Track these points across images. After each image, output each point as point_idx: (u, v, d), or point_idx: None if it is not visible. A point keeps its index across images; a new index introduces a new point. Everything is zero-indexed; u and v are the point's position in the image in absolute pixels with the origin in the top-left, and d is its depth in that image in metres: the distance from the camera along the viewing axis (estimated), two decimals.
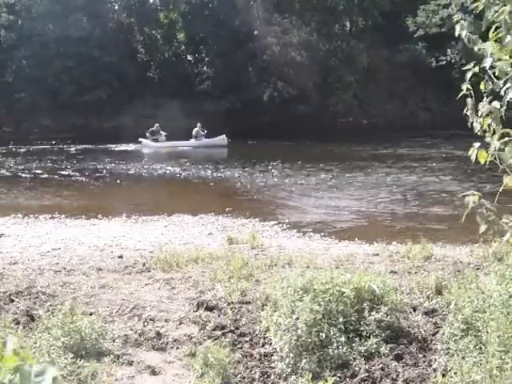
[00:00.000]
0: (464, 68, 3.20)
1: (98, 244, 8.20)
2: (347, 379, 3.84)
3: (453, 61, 33.33)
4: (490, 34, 3.04)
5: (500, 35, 3.01)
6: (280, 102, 32.88)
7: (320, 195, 13.80)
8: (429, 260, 6.74)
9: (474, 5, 3.10)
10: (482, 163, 2.99)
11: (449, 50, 33.66)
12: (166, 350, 4.41)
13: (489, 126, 2.97)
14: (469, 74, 3.15)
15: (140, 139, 25.25)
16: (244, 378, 3.94)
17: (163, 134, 25.76)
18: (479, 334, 3.78)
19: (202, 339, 4.50)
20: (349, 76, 34.71)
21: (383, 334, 4.24)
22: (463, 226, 9.23)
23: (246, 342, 4.47)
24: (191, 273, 6.28)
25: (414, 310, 4.84)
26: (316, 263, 6.47)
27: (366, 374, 3.87)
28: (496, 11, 2.97)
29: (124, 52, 35.26)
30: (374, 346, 4.10)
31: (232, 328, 4.69)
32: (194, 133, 25.59)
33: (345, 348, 4.01)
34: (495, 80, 3.03)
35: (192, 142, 25.55)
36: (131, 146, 25.42)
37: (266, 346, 4.36)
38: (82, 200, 13.70)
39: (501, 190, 2.92)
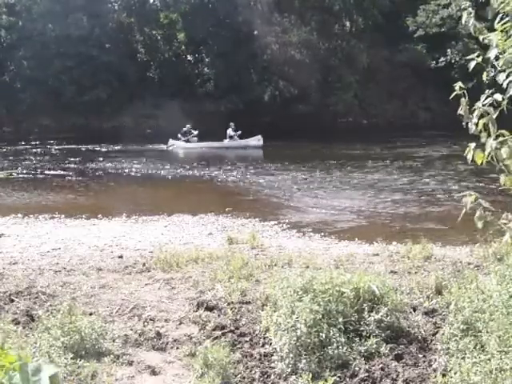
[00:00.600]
0: (467, 57, 3.18)
1: (98, 244, 8.20)
2: (347, 379, 3.84)
3: (453, 61, 33.36)
4: (496, 25, 3.02)
5: (506, 25, 2.99)
6: (281, 101, 32.88)
7: (320, 195, 13.80)
8: (429, 260, 6.74)
9: None
10: (479, 164, 2.99)
11: (449, 50, 33.69)
12: (166, 349, 4.41)
13: (484, 126, 2.96)
14: (472, 64, 3.14)
15: (170, 140, 24.73)
16: (244, 378, 3.94)
17: (195, 133, 25.29)
18: (479, 334, 3.78)
19: (202, 339, 4.50)
20: (349, 76, 34.71)
21: (383, 334, 4.24)
22: (463, 226, 9.23)
23: (246, 341, 4.47)
24: (191, 273, 6.28)
25: (414, 310, 4.84)
26: (316, 263, 6.47)
27: (366, 374, 3.87)
28: (502, 2, 2.95)
29: (124, 52, 35.25)
30: (374, 346, 4.10)
31: (232, 328, 4.69)
32: (228, 133, 25.09)
33: (345, 348, 4.01)
34: (497, 72, 3.01)
35: (226, 142, 25.01)
36: (159, 147, 24.80)
37: (266, 346, 4.36)
38: (82, 200, 13.70)
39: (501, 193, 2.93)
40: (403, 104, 35.90)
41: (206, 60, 37.94)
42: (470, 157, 2.97)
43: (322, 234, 9.53)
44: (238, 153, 23.73)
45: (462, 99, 3.07)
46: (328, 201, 13.01)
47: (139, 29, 37.85)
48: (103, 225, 10.08)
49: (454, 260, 6.77)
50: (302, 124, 29.65)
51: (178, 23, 37.81)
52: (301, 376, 3.80)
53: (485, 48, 3.15)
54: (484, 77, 3.08)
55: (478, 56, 3.09)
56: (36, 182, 16.42)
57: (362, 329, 4.24)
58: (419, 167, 18.37)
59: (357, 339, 4.15)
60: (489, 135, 2.93)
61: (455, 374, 3.53)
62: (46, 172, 18.33)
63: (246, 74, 34.65)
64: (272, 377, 3.95)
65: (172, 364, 4.19)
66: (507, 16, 2.98)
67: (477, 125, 2.98)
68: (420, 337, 4.38)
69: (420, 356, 4.15)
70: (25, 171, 18.40)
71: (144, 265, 6.69)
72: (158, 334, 4.61)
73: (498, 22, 3.00)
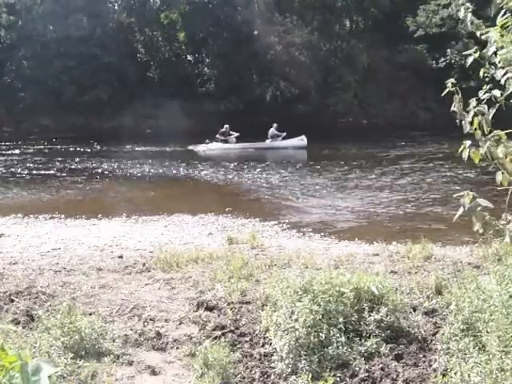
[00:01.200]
0: (465, 53, 3.16)
1: (98, 244, 8.20)
2: (347, 379, 3.84)
3: (453, 61, 33.35)
4: (498, 20, 3.01)
5: (507, 21, 2.98)
6: (281, 101, 32.86)
7: (320, 195, 13.80)
8: (429, 260, 6.74)
9: None
10: (476, 162, 2.98)
11: (449, 50, 33.68)
12: (166, 349, 4.41)
13: (479, 124, 2.94)
14: (470, 60, 3.12)
15: (206, 140, 24.24)
16: (244, 378, 3.94)
17: (234, 134, 24.73)
18: (479, 334, 3.78)
19: (202, 339, 4.50)
20: (349, 76, 34.70)
21: (383, 334, 4.24)
22: (463, 226, 9.23)
23: (246, 341, 4.47)
24: (191, 273, 6.28)
25: (414, 310, 4.84)
26: (316, 263, 6.47)
27: (366, 374, 3.87)
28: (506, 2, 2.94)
29: (124, 52, 35.25)
30: (374, 346, 4.10)
31: (232, 328, 4.68)
32: (269, 133, 24.62)
33: (345, 348, 4.01)
34: (495, 68, 3.00)
35: (267, 143, 24.48)
36: (196, 148, 24.29)
37: (266, 346, 4.35)
38: (82, 200, 13.70)
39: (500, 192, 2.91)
40: (403, 104, 35.88)
41: (207, 60, 37.94)
42: (465, 155, 2.96)
43: (322, 234, 9.53)
44: (278, 153, 23.03)
45: (455, 96, 3.05)
46: (328, 201, 13.01)
47: (139, 29, 37.85)
48: (103, 225, 10.08)
49: (454, 260, 6.77)
50: (301, 124, 29.62)
51: (177, 23, 37.80)
52: (301, 376, 3.80)
53: (485, 47, 3.14)
54: (481, 73, 3.07)
55: (475, 52, 3.08)
56: (36, 182, 16.41)
57: (361, 329, 4.24)
58: (419, 167, 18.37)
59: (357, 339, 4.15)
60: (483, 134, 2.92)
61: (455, 374, 3.52)
62: (46, 172, 18.32)
63: (246, 74, 34.65)
64: (272, 377, 3.95)
65: (172, 364, 4.19)
66: (510, 12, 2.97)
67: (472, 123, 2.96)
68: (420, 337, 4.38)
69: (420, 356, 4.15)
70: (25, 171, 18.40)
71: (144, 265, 6.69)
72: (158, 334, 4.61)
73: (500, 18, 2.99)
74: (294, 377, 3.86)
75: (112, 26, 36.24)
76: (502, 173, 2.85)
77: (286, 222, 10.53)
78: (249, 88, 33.54)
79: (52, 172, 18.37)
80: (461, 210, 2.90)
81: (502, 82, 2.96)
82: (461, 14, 3.19)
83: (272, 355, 4.17)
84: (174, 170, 18.61)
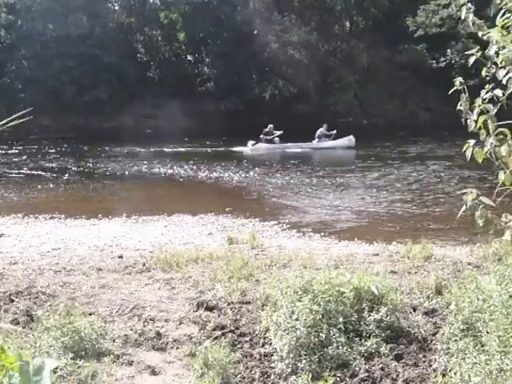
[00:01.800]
0: (467, 52, 3.17)
1: (98, 244, 8.20)
2: (347, 379, 3.84)
3: (453, 61, 33.37)
4: (498, 20, 3.01)
5: (507, 22, 2.98)
6: (280, 101, 32.86)
7: (320, 195, 13.80)
8: (429, 260, 6.74)
9: None
10: (480, 161, 2.98)
11: (449, 50, 33.70)
12: (166, 349, 4.41)
13: (483, 123, 2.95)
14: (472, 59, 3.13)
15: (250, 141, 23.87)
16: (244, 378, 3.94)
17: (278, 133, 24.49)
18: (479, 334, 3.77)
19: (202, 339, 4.50)
20: (349, 76, 34.70)
21: (383, 334, 4.24)
22: (463, 226, 9.25)
23: (246, 341, 4.47)
24: (191, 273, 6.28)
25: (414, 310, 4.84)
26: (316, 263, 6.47)
27: (366, 374, 3.87)
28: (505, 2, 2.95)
29: (124, 52, 35.24)
30: (374, 345, 4.10)
31: (232, 328, 4.68)
32: (317, 133, 24.41)
33: (345, 348, 4.01)
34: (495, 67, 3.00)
35: (314, 143, 24.21)
36: (240, 149, 23.89)
37: (266, 346, 4.35)
38: (82, 200, 13.71)
39: (498, 188, 2.91)
40: (403, 104, 35.90)
41: (206, 60, 37.93)
42: (468, 154, 2.96)
43: (322, 234, 9.53)
44: (324, 153, 22.78)
45: (462, 95, 3.06)
46: (328, 201, 13.01)
47: (139, 29, 37.84)
48: (103, 225, 10.08)
49: (454, 260, 6.77)
50: (301, 124, 29.61)
51: (177, 23, 37.80)
52: (301, 376, 3.80)
53: (485, 47, 3.14)
54: (483, 73, 3.07)
55: (477, 51, 3.08)
56: (36, 181, 16.40)
57: (361, 329, 4.24)
58: (419, 167, 18.37)
59: (357, 339, 4.15)
60: (488, 133, 2.92)
61: (455, 374, 3.52)
62: (46, 172, 18.32)
63: (245, 73, 34.65)
64: (272, 377, 3.95)
65: (172, 364, 4.18)
66: (509, 12, 2.97)
67: (476, 122, 2.97)
68: (420, 337, 4.38)
69: (420, 356, 4.15)
70: (25, 171, 18.40)
71: (144, 265, 6.69)
72: (158, 334, 4.61)
73: (500, 18, 2.99)
74: (293, 377, 3.86)
75: (112, 25, 36.23)
76: (505, 172, 2.85)
77: (286, 221, 10.54)
78: (249, 88, 33.54)
79: (52, 172, 18.37)
80: (464, 207, 2.90)
81: (504, 81, 2.96)
82: (462, 15, 3.20)
83: (272, 355, 4.17)
84: (175, 170, 18.61)
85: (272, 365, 4.08)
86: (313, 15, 35.67)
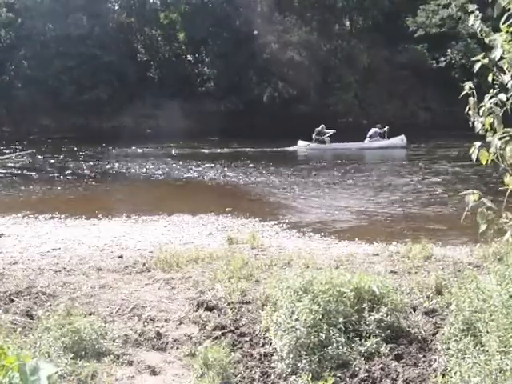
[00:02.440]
0: (473, 59, 3.17)
1: (98, 244, 8.20)
2: (347, 379, 3.84)
3: (453, 61, 33.37)
4: (502, 25, 3.01)
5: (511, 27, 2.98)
6: (280, 102, 32.87)
7: (320, 195, 13.80)
8: (429, 260, 6.74)
9: None
10: (484, 163, 2.98)
11: (449, 50, 33.70)
12: (166, 349, 4.40)
13: (490, 125, 2.96)
14: (477, 66, 3.13)
15: (299, 141, 23.93)
16: (244, 378, 3.94)
17: (329, 133, 24.39)
18: (479, 334, 3.77)
19: (202, 339, 4.50)
20: (349, 76, 34.70)
21: (383, 334, 4.24)
22: (463, 226, 9.23)
23: (246, 341, 4.47)
24: (191, 273, 6.28)
25: (414, 310, 4.84)
26: (316, 263, 6.47)
27: (366, 374, 3.87)
28: (509, 2, 2.94)
29: (124, 52, 35.25)
30: (374, 345, 4.10)
31: (232, 328, 4.68)
32: (369, 133, 24.28)
33: (345, 348, 4.00)
34: (502, 74, 3.01)
35: (366, 143, 24.14)
36: (289, 149, 23.89)
37: (266, 346, 4.35)
38: (82, 200, 13.71)
39: (508, 194, 2.90)
40: (403, 104, 35.89)
41: (206, 60, 37.94)
42: (474, 156, 2.97)
43: (322, 234, 9.53)
44: (375, 153, 22.66)
45: (471, 98, 3.07)
46: (328, 201, 13.01)
47: (139, 29, 37.86)
48: (103, 225, 10.08)
49: (454, 260, 6.77)
50: (301, 124, 29.62)
51: (177, 23, 37.81)
52: (301, 376, 3.79)
53: (486, 48, 3.15)
54: (489, 78, 3.07)
55: (483, 57, 3.08)
56: (36, 182, 16.41)
57: (361, 329, 4.24)
58: (419, 167, 18.37)
59: (357, 339, 4.15)
60: (495, 133, 2.93)
61: (455, 374, 3.52)
62: (46, 172, 18.32)
63: (245, 73, 34.64)
64: (272, 377, 3.95)
65: (172, 364, 4.18)
66: None
67: (483, 124, 2.97)
68: (420, 337, 4.38)
69: (420, 356, 4.15)
70: (24, 171, 18.40)
71: (144, 265, 6.69)
72: (158, 334, 4.61)
73: (504, 22, 2.99)
74: (293, 377, 3.86)
75: (112, 25, 36.24)
76: (510, 174, 2.86)
77: (286, 221, 10.53)
78: (249, 88, 33.55)
79: (52, 172, 18.37)
80: (466, 210, 2.90)
81: (509, 86, 2.96)
82: (470, 22, 3.20)
83: (272, 355, 4.17)
84: (175, 170, 18.61)
85: (272, 365, 4.08)
86: (313, 15, 35.67)
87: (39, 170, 18.76)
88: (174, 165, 19.75)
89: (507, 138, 2.91)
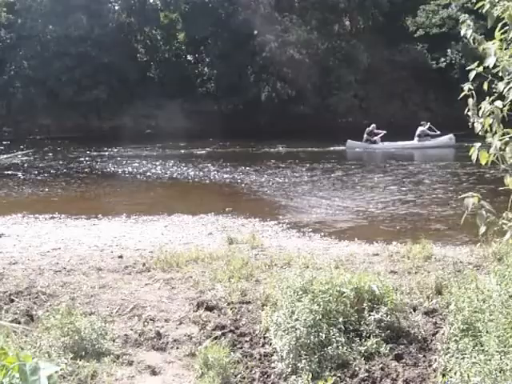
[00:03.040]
0: (467, 68, 3.20)
1: (98, 244, 8.20)
2: (347, 379, 3.84)
3: (453, 61, 33.37)
4: (496, 33, 3.03)
5: (505, 34, 3.00)
6: (280, 102, 32.86)
7: (320, 195, 13.80)
8: (429, 260, 6.74)
9: (479, 4, 3.09)
10: (483, 164, 2.99)
11: (449, 50, 33.69)
12: (166, 349, 4.41)
13: (490, 126, 2.97)
14: (472, 74, 3.15)
15: (349, 140, 23.80)
16: (244, 378, 3.94)
17: (381, 133, 24.26)
18: (479, 334, 3.78)
19: (202, 339, 4.50)
20: (349, 76, 34.69)
21: (383, 334, 4.24)
22: (463, 226, 9.23)
23: (246, 341, 4.47)
24: (191, 273, 6.28)
25: (414, 310, 4.84)
26: (316, 263, 6.47)
27: (366, 374, 3.87)
28: (503, 11, 2.96)
29: (124, 52, 35.25)
30: (374, 345, 4.10)
31: (232, 328, 4.68)
32: (417, 132, 24.06)
33: (345, 348, 4.01)
34: (497, 80, 3.03)
35: (414, 142, 24.00)
36: (340, 148, 23.77)
37: (266, 346, 4.35)
38: (82, 200, 13.71)
39: None
40: (403, 104, 35.88)
41: (206, 60, 37.94)
42: (474, 157, 2.98)
43: (322, 234, 9.53)
44: (425, 153, 22.53)
45: (470, 99, 3.09)
46: (328, 201, 13.01)
47: (139, 29, 37.85)
48: (103, 225, 10.08)
49: (454, 260, 6.77)
50: (301, 124, 29.65)
51: (178, 23, 37.82)
52: (301, 376, 3.80)
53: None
54: (485, 86, 3.10)
55: (478, 66, 3.11)
56: (36, 182, 16.42)
57: (362, 329, 4.24)
58: (419, 167, 18.37)
59: (357, 339, 4.15)
60: (495, 133, 2.94)
61: (455, 374, 3.52)
62: (46, 172, 18.33)
63: (245, 74, 34.64)
64: (272, 377, 3.95)
65: (172, 364, 4.19)
66: (507, 25, 2.99)
67: (483, 125, 2.99)
68: (420, 337, 4.38)
69: (420, 356, 4.15)
70: (24, 171, 18.40)
71: (144, 265, 6.69)
72: (158, 334, 4.61)
73: (499, 31, 3.02)
74: (293, 377, 3.86)
75: (112, 25, 36.23)
76: (511, 175, 2.87)
77: (286, 222, 10.53)
78: (249, 88, 33.54)
79: (52, 172, 18.38)
80: (466, 213, 2.91)
81: (505, 93, 2.98)
82: (462, 32, 3.23)
83: (272, 355, 4.17)
84: (175, 170, 18.62)
85: (272, 365, 4.08)
86: (313, 15, 35.65)
87: (39, 169, 18.76)
88: (174, 165, 19.76)
89: (507, 139, 2.92)
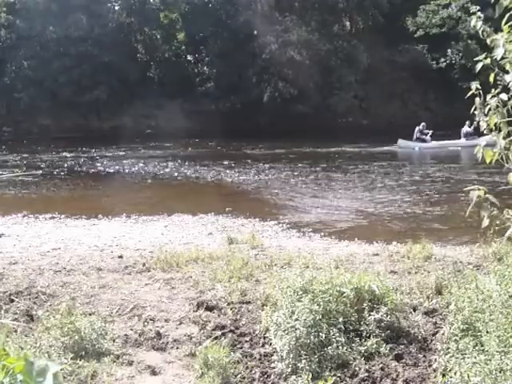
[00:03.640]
0: (476, 59, 3.18)
1: (98, 244, 8.20)
2: (347, 379, 3.84)
3: (453, 61, 33.38)
4: (503, 25, 3.01)
5: None
6: (280, 102, 32.88)
7: (320, 195, 13.80)
8: (429, 260, 6.74)
9: None
10: (488, 162, 2.99)
11: (449, 50, 33.72)
12: (166, 349, 4.41)
13: (495, 124, 2.97)
14: (479, 66, 3.13)
15: (399, 140, 23.76)
16: (244, 378, 3.94)
17: (429, 132, 24.27)
18: (479, 334, 3.78)
19: (202, 339, 4.50)
20: (349, 76, 34.71)
21: (383, 334, 4.24)
22: (463, 226, 9.25)
23: (246, 341, 4.47)
24: (191, 273, 6.28)
25: (414, 310, 4.84)
26: (316, 263, 6.47)
27: (366, 374, 3.87)
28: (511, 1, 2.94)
29: (124, 52, 35.25)
30: (374, 345, 4.10)
31: (232, 328, 4.68)
32: (463, 131, 23.91)
33: (345, 348, 4.01)
34: (505, 73, 3.02)
35: (462, 141, 23.79)
36: (391, 148, 23.71)
37: (266, 346, 4.35)
38: (82, 200, 13.71)
39: None
40: (403, 104, 35.91)
41: (206, 60, 37.95)
42: (479, 155, 2.97)
43: (322, 233, 9.53)
44: (471, 151, 22.65)
45: (477, 98, 3.08)
46: (328, 201, 13.01)
47: (139, 29, 37.85)
48: (103, 225, 10.08)
49: (454, 260, 6.76)
50: (301, 124, 29.65)
51: (178, 23, 37.84)
52: (301, 376, 3.80)
53: (486, 48, 3.15)
54: (491, 78, 3.08)
55: (485, 58, 3.09)
56: (36, 182, 16.42)
57: (362, 329, 4.24)
58: (419, 167, 18.37)
59: (357, 339, 4.15)
60: (499, 131, 2.94)
61: (455, 374, 3.52)
62: (46, 172, 18.32)
63: (245, 73, 34.65)
64: (272, 377, 3.95)
65: (172, 364, 4.18)
66: None
67: (488, 124, 2.98)
68: (420, 337, 4.38)
69: (420, 356, 4.15)
70: (24, 171, 18.39)
71: (144, 265, 6.69)
72: (158, 334, 4.61)
73: (506, 22, 2.99)
74: (293, 377, 3.86)
75: (112, 25, 36.24)
76: None
77: (286, 222, 10.53)
78: (249, 88, 33.55)
79: (52, 172, 18.38)
80: (471, 206, 2.91)
81: (511, 85, 2.97)
82: (472, 23, 3.21)
83: (272, 355, 4.17)
84: (175, 170, 18.61)
85: (272, 365, 4.08)
86: (313, 15, 35.67)
87: (39, 170, 18.75)
88: (174, 165, 19.76)
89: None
